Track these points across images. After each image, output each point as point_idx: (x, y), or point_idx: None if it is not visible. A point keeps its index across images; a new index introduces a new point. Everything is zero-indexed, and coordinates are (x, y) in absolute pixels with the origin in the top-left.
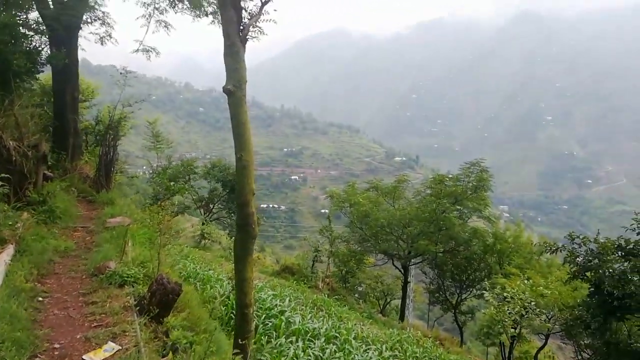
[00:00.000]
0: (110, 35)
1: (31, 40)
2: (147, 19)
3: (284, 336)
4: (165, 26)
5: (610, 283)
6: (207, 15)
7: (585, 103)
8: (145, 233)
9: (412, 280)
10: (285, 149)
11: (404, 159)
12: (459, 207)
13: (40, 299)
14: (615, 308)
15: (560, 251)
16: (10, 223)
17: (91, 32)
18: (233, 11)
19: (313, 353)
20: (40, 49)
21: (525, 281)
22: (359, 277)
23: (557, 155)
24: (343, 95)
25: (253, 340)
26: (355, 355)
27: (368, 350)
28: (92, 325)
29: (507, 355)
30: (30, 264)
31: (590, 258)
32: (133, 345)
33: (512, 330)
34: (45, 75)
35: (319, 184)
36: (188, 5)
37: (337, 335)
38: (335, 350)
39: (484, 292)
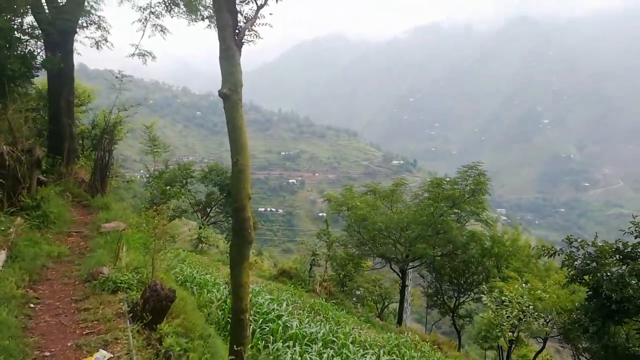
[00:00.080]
0: (106, 40)
1: (26, 45)
2: (143, 23)
3: (281, 341)
4: (161, 30)
5: (608, 286)
6: (203, 19)
7: (583, 105)
8: (140, 238)
9: (409, 283)
10: (283, 153)
11: (402, 162)
12: (456, 211)
13: (32, 305)
14: (613, 311)
15: (558, 254)
16: (2, 228)
17: (87, 37)
18: (229, 15)
19: (310, 358)
20: (35, 53)
21: (523, 285)
22: (356, 281)
23: (555, 158)
24: (341, 99)
25: (250, 345)
26: None
27: (366, 355)
28: (84, 332)
29: (505, 359)
30: (22, 270)
31: (588, 261)
32: (125, 353)
33: (510, 334)
34: (42, 80)
35: (317, 188)
36: (184, 10)
37: (335, 339)
38: (332, 354)
39: (482, 295)
